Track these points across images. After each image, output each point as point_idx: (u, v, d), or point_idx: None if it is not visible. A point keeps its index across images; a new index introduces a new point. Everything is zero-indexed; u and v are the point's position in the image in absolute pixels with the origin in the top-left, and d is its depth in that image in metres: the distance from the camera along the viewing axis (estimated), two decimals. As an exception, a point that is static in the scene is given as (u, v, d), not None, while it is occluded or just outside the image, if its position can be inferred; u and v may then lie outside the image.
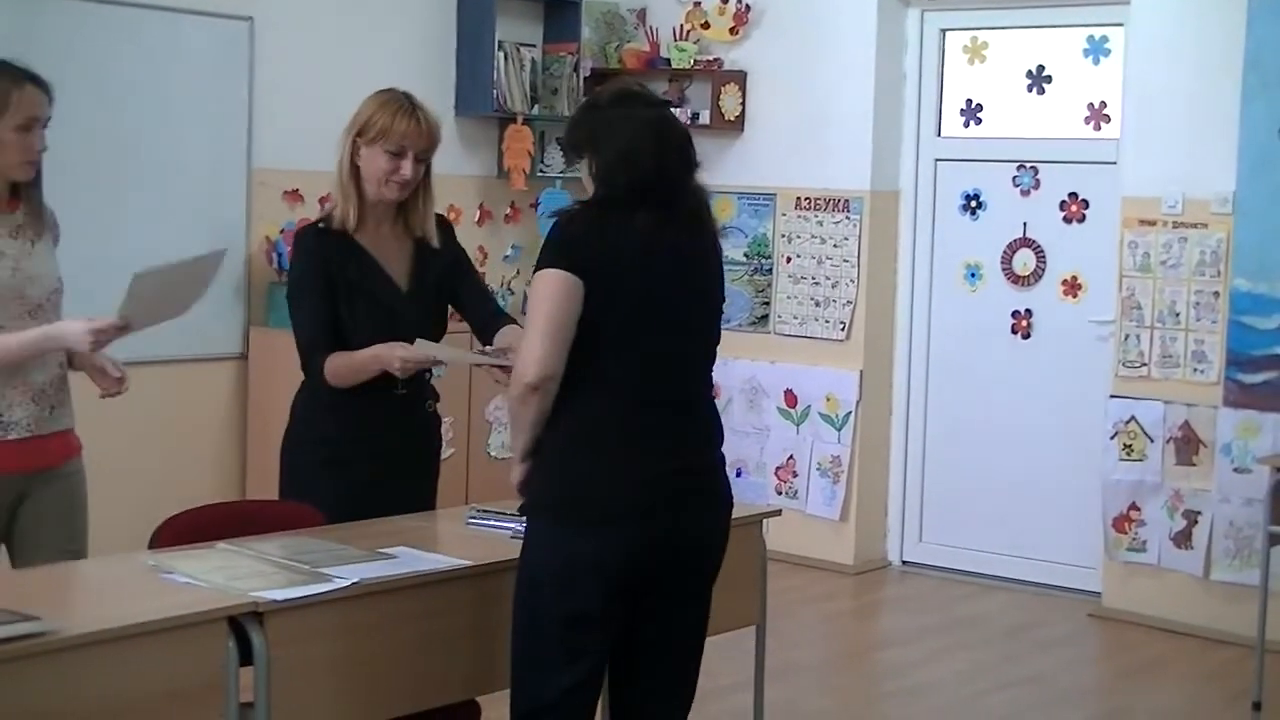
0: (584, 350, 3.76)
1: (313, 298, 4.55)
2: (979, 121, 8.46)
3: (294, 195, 7.65)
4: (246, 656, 3.52)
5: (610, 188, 3.84)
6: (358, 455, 4.59)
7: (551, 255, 3.76)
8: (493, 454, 8.05)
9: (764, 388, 8.68)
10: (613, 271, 3.77)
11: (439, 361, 4.73)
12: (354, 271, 4.56)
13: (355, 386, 4.53)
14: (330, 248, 4.57)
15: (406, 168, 4.55)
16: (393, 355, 4.46)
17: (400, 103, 4.63)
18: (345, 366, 4.52)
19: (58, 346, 4.24)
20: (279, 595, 3.58)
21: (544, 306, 3.73)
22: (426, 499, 4.80)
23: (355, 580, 3.75)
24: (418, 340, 4.45)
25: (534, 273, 3.80)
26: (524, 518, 3.93)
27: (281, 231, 7.50)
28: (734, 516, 5.02)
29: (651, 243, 3.82)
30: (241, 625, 3.52)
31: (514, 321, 4.76)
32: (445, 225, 4.82)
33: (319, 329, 4.55)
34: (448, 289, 4.77)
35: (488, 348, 4.67)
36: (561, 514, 3.81)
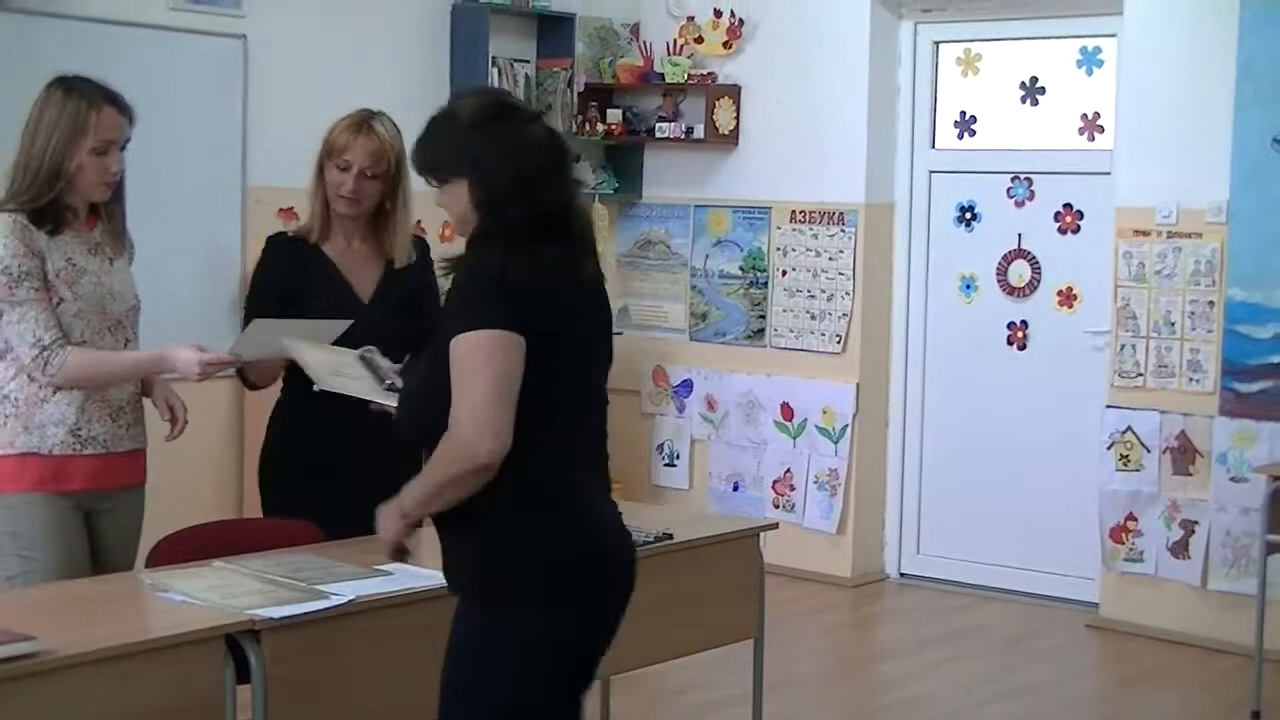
0: (526, 411, 3.30)
1: (267, 306, 4.60)
2: (973, 133, 8.47)
3: (289, 213, 7.63)
4: (244, 675, 3.53)
5: (504, 219, 3.37)
6: (332, 468, 4.61)
7: (486, 311, 3.29)
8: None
9: (760, 401, 8.68)
10: (549, 320, 3.37)
11: (238, 359, 4.53)
12: (313, 279, 4.66)
13: (324, 399, 4.37)
14: (287, 254, 4.71)
15: (349, 182, 4.64)
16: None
17: (357, 120, 4.72)
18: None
19: (167, 370, 4.30)
20: (276, 613, 3.58)
21: (488, 371, 3.26)
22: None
23: (352, 597, 3.75)
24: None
25: (454, 330, 3.30)
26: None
27: (277, 249, 7.50)
28: (732, 530, 5.04)
29: (567, 280, 3.49)
30: (238, 643, 3.52)
31: None
32: (422, 247, 4.88)
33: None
34: (413, 308, 4.74)
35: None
36: (528, 593, 3.35)
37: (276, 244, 4.79)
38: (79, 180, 4.18)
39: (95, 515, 4.28)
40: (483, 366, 3.25)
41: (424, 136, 3.60)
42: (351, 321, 4.49)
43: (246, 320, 4.62)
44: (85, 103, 4.17)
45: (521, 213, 3.37)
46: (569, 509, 3.41)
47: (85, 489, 4.24)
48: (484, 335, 3.26)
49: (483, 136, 3.45)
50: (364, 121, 4.71)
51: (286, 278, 4.66)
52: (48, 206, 4.17)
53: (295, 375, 4.57)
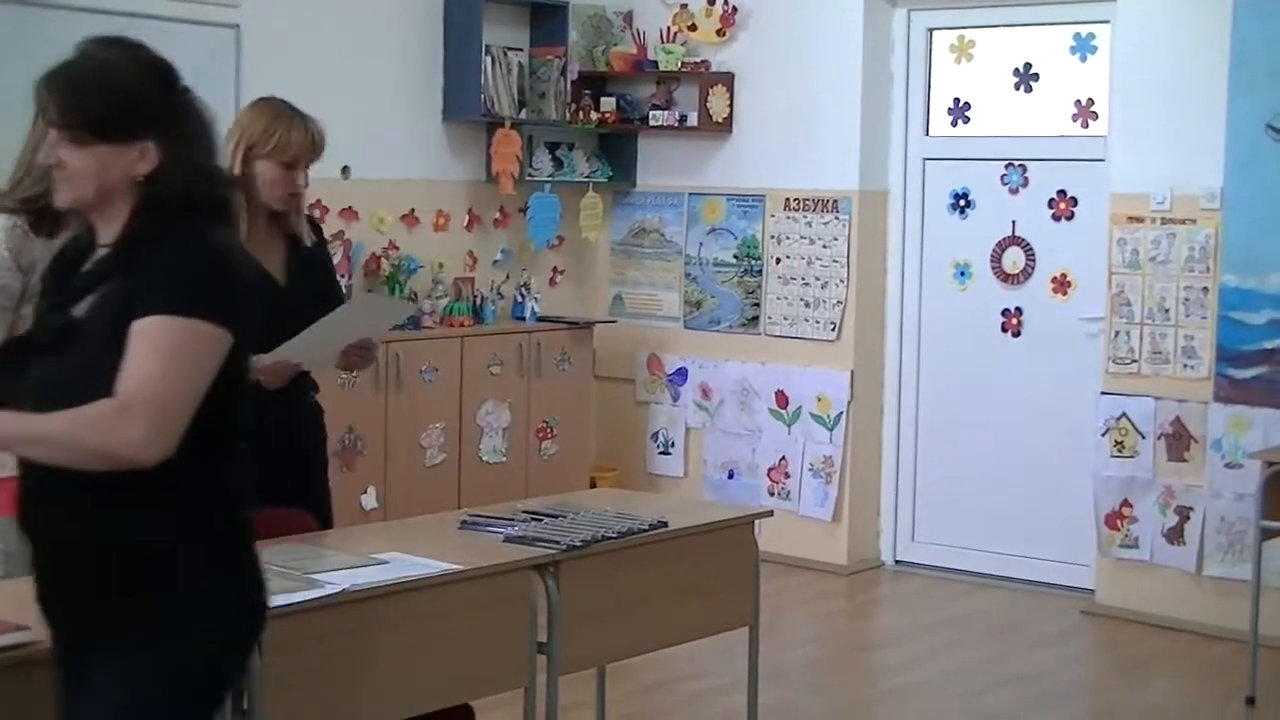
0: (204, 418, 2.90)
1: None
2: (967, 120, 8.46)
3: (282, 202, 7.64)
4: (238, 664, 3.52)
5: (191, 197, 2.99)
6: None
7: (205, 300, 2.88)
8: (484, 458, 8.06)
9: (755, 389, 8.69)
10: (249, 316, 3.01)
11: (299, 366, 4.62)
12: None
13: None
14: None
15: (301, 178, 4.62)
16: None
17: (289, 116, 4.66)
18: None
19: None
20: (270, 602, 3.57)
21: (188, 366, 2.86)
22: (315, 490, 4.78)
23: (346, 586, 3.75)
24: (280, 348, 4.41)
25: (159, 310, 2.85)
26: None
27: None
28: (727, 518, 5.05)
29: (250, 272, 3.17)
30: (233, 633, 3.51)
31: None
32: (315, 225, 4.88)
33: None
34: (320, 288, 4.76)
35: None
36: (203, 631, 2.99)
37: None
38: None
39: None
40: (184, 358, 2.85)
41: (92, 83, 3.13)
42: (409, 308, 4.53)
43: None
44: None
45: (205, 189, 3.04)
46: (237, 540, 3.12)
47: None
48: (194, 325, 2.86)
49: (167, 95, 3.17)
50: (292, 115, 4.65)
51: None
52: (48, 207, 3.96)
53: None
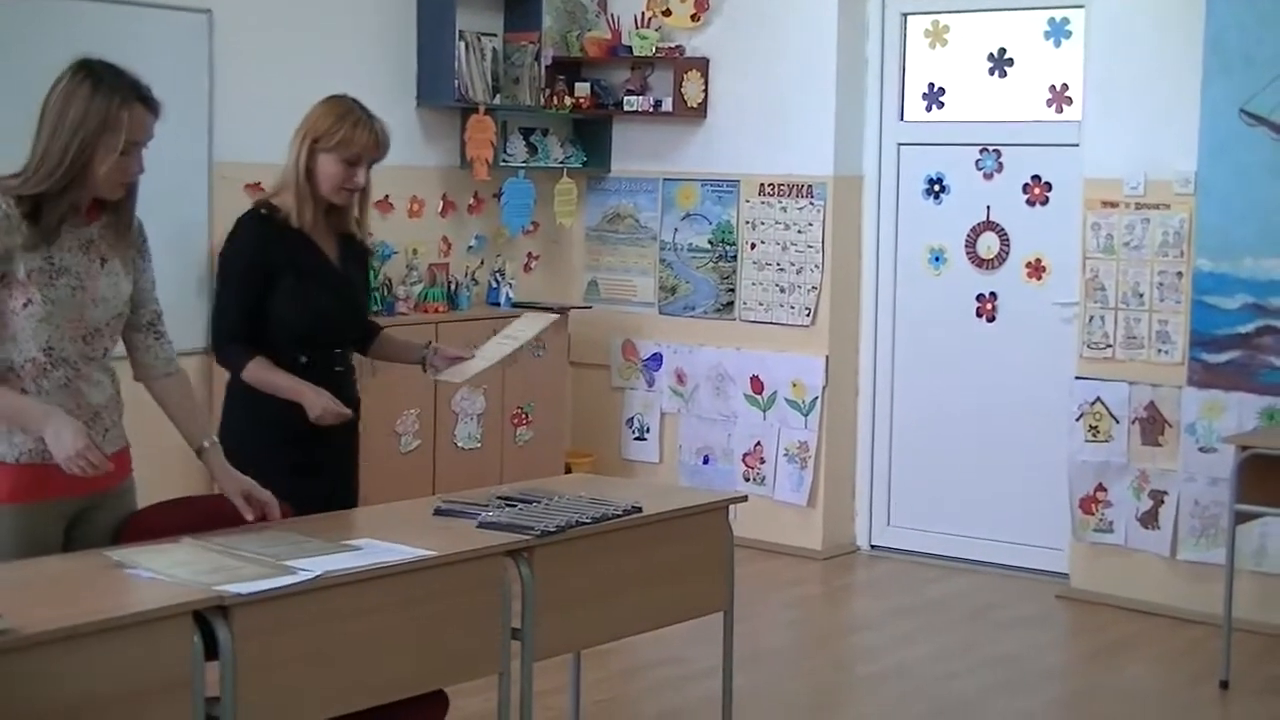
0: None
1: (243, 286, 4.73)
2: (941, 105, 8.47)
3: (256, 188, 7.59)
4: (212, 651, 3.51)
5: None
6: (300, 431, 4.68)
7: None
8: (459, 444, 8.04)
9: (730, 374, 8.69)
10: None
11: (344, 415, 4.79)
12: (301, 253, 4.73)
13: (298, 366, 4.73)
14: (273, 235, 4.73)
15: (361, 176, 4.74)
16: (318, 401, 4.65)
17: (357, 113, 4.77)
18: (265, 381, 4.71)
19: (38, 434, 3.89)
20: (244, 589, 3.57)
21: None
22: (351, 479, 5.00)
23: (320, 572, 3.74)
24: (476, 354, 5.01)
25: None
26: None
27: (244, 225, 7.47)
28: (702, 503, 5.04)
29: None
30: (207, 619, 3.51)
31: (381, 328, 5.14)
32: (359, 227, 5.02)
33: (241, 320, 4.73)
34: (365, 281, 5.08)
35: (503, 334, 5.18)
36: None
37: (262, 223, 4.76)
38: (95, 177, 3.91)
39: (77, 521, 4.07)
40: None
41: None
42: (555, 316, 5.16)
43: (229, 322, 4.75)
44: (116, 99, 3.88)
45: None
46: None
47: (65, 497, 4.00)
48: None
49: None
50: (359, 112, 4.78)
51: (282, 258, 4.72)
52: (55, 200, 3.88)
53: (259, 344, 4.76)
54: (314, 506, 4.49)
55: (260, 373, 4.70)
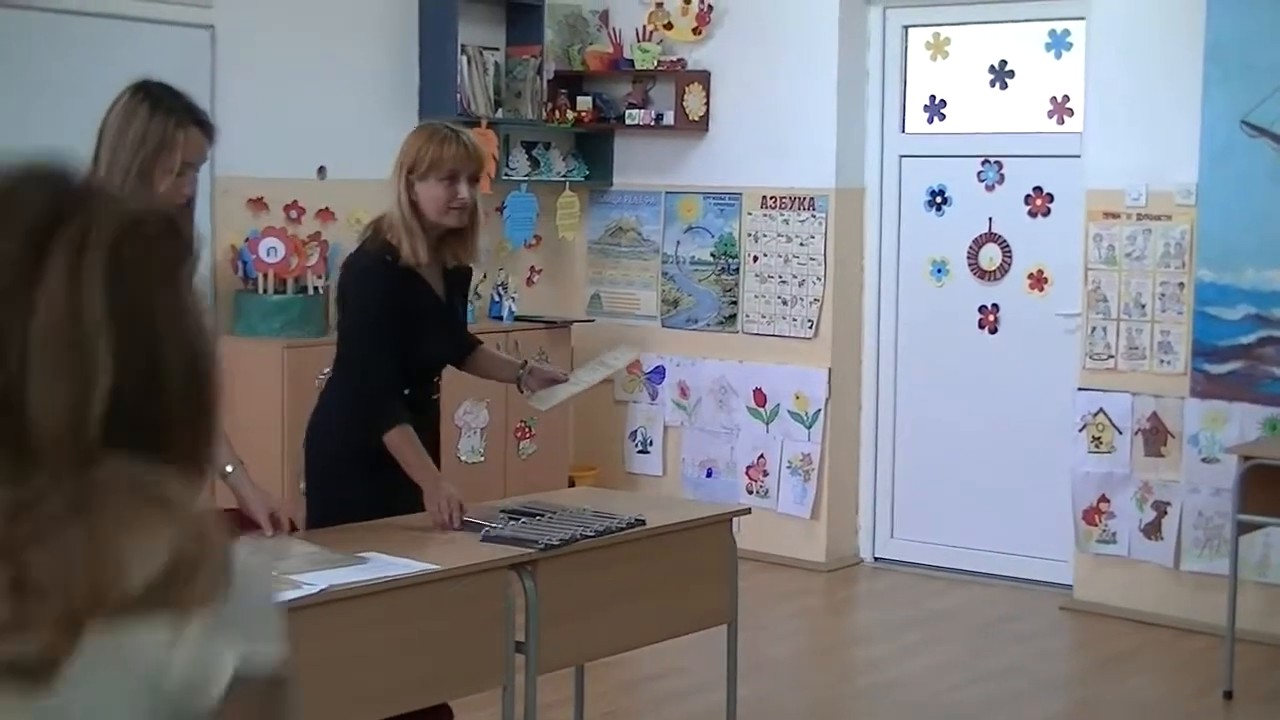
0: None
1: (391, 335, 4.61)
2: (943, 117, 8.48)
3: (258, 203, 7.63)
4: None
5: None
6: (388, 460, 4.62)
7: None
8: (462, 458, 8.05)
9: (733, 387, 8.69)
10: None
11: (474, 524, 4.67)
12: (421, 299, 4.68)
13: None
14: (400, 279, 4.64)
15: (464, 191, 4.65)
16: (438, 497, 4.55)
17: (442, 132, 4.73)
18: (402, 451, 4.56)
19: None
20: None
21: None
22: None
23: (325, 586, 3.75)
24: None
25: None
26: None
27: (246, 240, 7.48)
28: (705, 516, 5.05)
29: None
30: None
31: (479, 342, 5.09)
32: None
33: (392, 373, 4.62)
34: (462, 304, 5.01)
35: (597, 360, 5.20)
36: None
37: (391, 270, 4.66)
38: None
39: None
40: None
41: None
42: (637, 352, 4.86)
43: (383, 376, 4.64)
44: (173, 121, 3.97)
45: None
46: None
47: None
48: None
49: None
50: (449, 130, 4.74)
51: (409, 303, 4.67)
52: None
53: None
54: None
55: (401, 442, 4.55)
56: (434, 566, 4.03)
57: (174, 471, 1.49)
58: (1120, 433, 7.58)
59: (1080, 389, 7.70)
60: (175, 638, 1.44)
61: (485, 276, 8.63)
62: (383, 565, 3.99)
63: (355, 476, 4.64)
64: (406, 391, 4.70)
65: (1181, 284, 7.41)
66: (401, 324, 4.63)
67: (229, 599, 1.47)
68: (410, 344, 4.64)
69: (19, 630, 1.39)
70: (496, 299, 8.60)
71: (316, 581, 3.76)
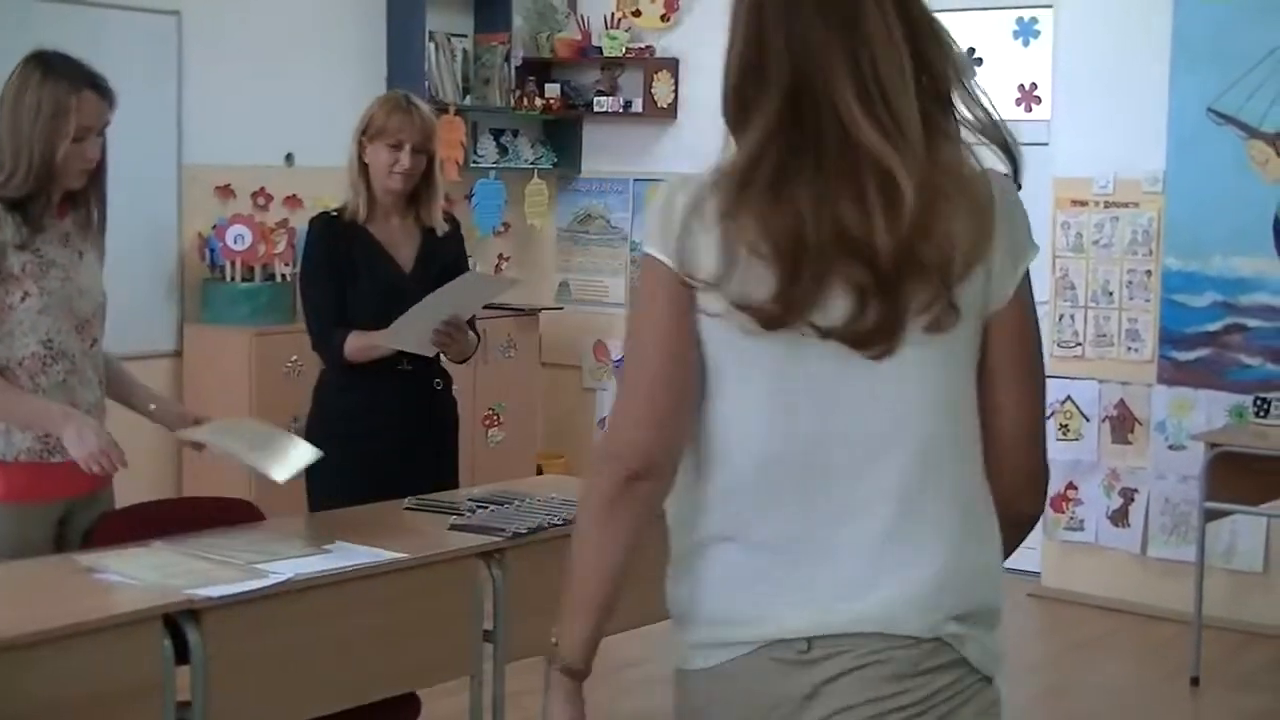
0: None
1: (323, 283, 4.89)
2: (910, 105, 8.47)
3: (225, 190, 7.61)
4: (183, 655, 3.50)
5: None
6: (372, 429, 4.85)
7: None
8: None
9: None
10: None
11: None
12: (359, 254, 4.87)
13: (363, 366, 4.84)
14: (337, 234, 4.89)
15: (404, 159, 4.84)
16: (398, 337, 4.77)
17: (397, 100, 4.95)
18: (366, 348, 4.81)
19: (55, 434, 3.94)
20: (215, 592, 3.56)
21: None
22: (446, 473, 5.09)
23: (291, 575, 3.73)
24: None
25: None
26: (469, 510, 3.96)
27: (214, 227, 7.45)
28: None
29: None
30: (177, 623, 3.49)
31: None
32: (453, 220, 5.12)
33: (330, 313, 4.85)
34: (445, 276, 5.00)
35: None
36: None
37: (327, 225, 4.94)
38: (58, 168, 3.96)
39: (68, 521, 4.10)
40: None
41: None
42: (515, 280, 4.82)
43: (321, 320, 4.88)
44: (65, 86, 3.95)
45: None
46: None
47: (61, 497, 4.05)
48: None
49: None
50: (402, 100, 4.94)
51: (343, 256, 4.87)
52: (33, 196, 3.94)
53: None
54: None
55: (358, 343, 4.80)
56: (401, 555, 4.01)
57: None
58: (1088, 420, 7.60)
59: (1048, 376, 7.70)
60: (987, 277, 2.35)
61: (453, 264, 8.61)
62: (349, 554, 3.97)
63: (349, 446, 4.75)
64: (404, 364, 4.87)
65: (1149, 271, 7.43)
66: (339, 273, 4.84)
67: (1002, 228, 2.45)
68: (353, 298, 4.83)
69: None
70: (465, 286, 8.57)
71: (282, 571, 3.75)
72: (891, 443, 2.26)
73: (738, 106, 2.39)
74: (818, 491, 2.26)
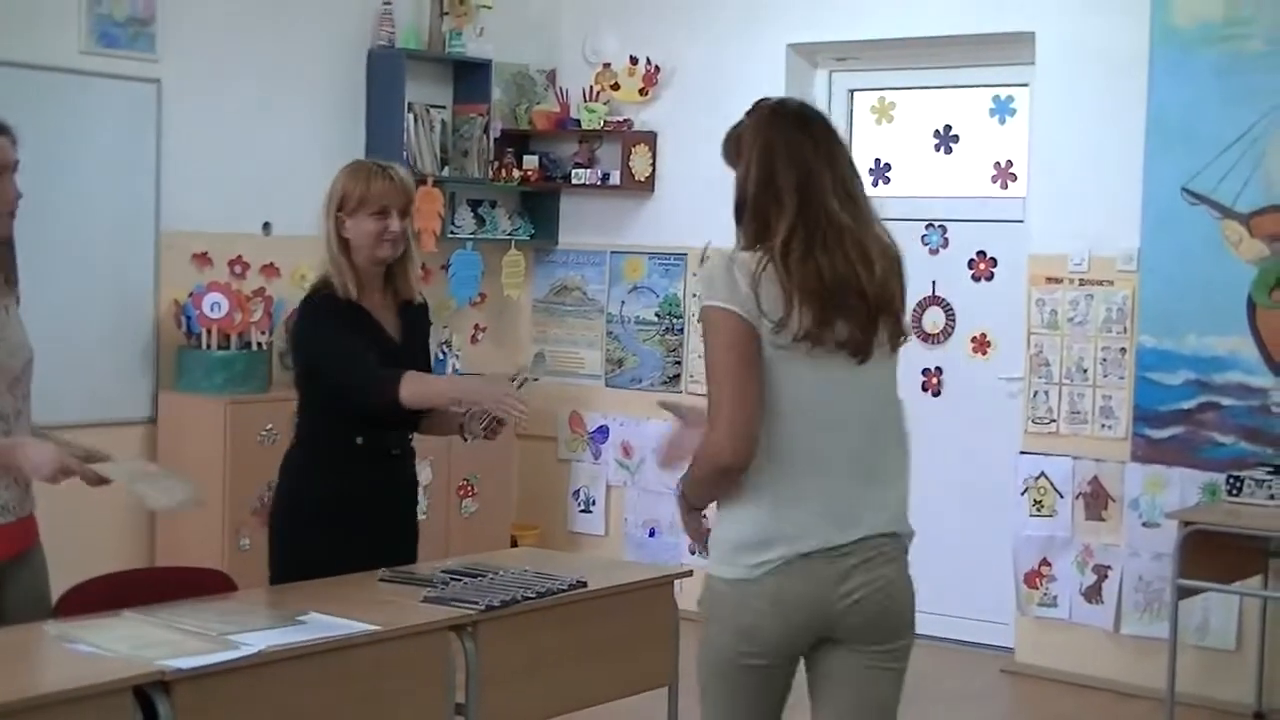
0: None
1: (349, 340, 4.64)
2: (887, 181, 8.53)
3: (203, 258, 7.61)
4: (153, 727, 3.48)
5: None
6: (353, 515, 4.70)
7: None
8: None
9: (677, 447, 8.67)
10: None
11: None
12: (366, 333, 4.70)
13: (350, 449, 4.69)
14: (340, 307, 4.69)
15: (394, 223, 4.70)
16: (486, 391, 4.75)
17: (369, 168, 4.80)
18: (424, 393, 4.65)
19: (12, 464, 3.93)
20: (185, 664, 3.54)
21: None
22: (412, 555, 4.92)
23: (262, 647, 3.71)
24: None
25: None
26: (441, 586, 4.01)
27: (190, 295, 7.44)
28: (647, 578, 5.03)
29: None
30: (148, 695, 3.47)
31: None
32: (422, 300, 4.97)
33: (371, 359, 4.62)
34: (420, 347, 4.97)
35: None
36: None
37: (332, 300, 4.71)
38: None
39: (7, 584, 4.05)
40: None
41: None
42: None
43: (365, 373, 4.61)
44: None
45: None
46: None
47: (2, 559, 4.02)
48: None
49: None
50: (375, 167, 4.80)
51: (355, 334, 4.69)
52: None
53: (312, 425, 4.78)
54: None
55: (414, 388, 4.59)
56: (373, 627, 4.00)
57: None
58: (1061, 496, 7.61)
59: (1022, 452, 7.73)
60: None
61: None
62: (321, 626, 3.96)
63: (319, 530, 4.68)
64: (360, 440, 4.69)
65: (1123, 349, 7.46)
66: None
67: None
68: None
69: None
70: (441, 356, 8.58)
71: (253, 642, 3.73)
72: (874, 418, 3.71)
73: (755, 211, 3.62)
74: (839, 450, 3.62)
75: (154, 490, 4.17)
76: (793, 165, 3.62)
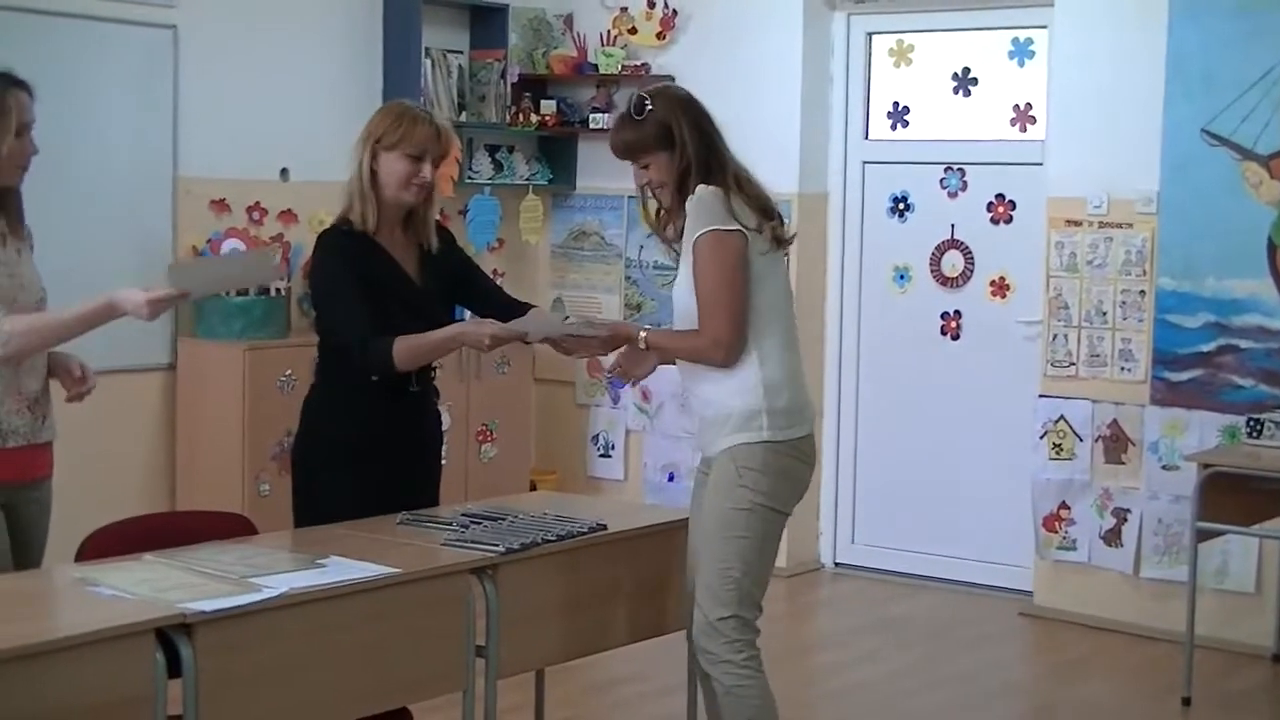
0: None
1: (351, 293, 4.65)
2: (906, 124, 8.50)
3: (220, 204, 7.61)
4: (175, 669, 3.50)
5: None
6: (375, 453, 4.71)
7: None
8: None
9: (695, 392, 8.68)
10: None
11: (525, 337, 4.80)
12: (379, 269, 4.71)
13: (370, 387, 4.68)
14: (353, 247, 4.70)
15: (426, 171, 4.74)
16: (481, 332, 4.66)
17: (415, 111, 4.84)
18: (418, 348, 4.64)
19: (115, 315, 4.20)
20: (207, 606, 3.56)
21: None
22: (434, 495, 4.96)
23: (284, 590, 3.73)
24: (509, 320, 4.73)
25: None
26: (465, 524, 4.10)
27: (209, 241, 7.45)
28: (665, 521, 5.05)
29: None
30: (169, 637, 3.49)
31: (531, 305, 5.06)
32: (445, 233, 4.99)
33: (364, 322, 4.62)
34: (458, 292, 5.01)
35: (571, 319, 4.92)
36: None
37: (343, 237, 4.74)
38: (3, 166, 4.14)
39: (15, 508, 4.21)
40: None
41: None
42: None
43: (355, 331, 4.62)
44: (1, 85, 4.14)
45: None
46: None
47: (9, 481, 4.18)
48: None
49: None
50: (422, 112, 4.83)
51: (364, 270, 4.68)
52: None
53: (331, 365, 4.78)
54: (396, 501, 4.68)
55: (408, 348, 4.61)
56: (394, 570, 4.02)
57: None
58: (1081, 440, 7.61)
59: (1041, 396, 7.73)
60: None
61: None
62: (342, 569, 3.98)
63: (342, 469, 4.69)
64: (375, 376, 4.68)
65: (1142, 292, 7.44)
66: (361, 285, 4.65)
67: None
68: (374, 312, 4.64)
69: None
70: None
71: (275, 585, 3.75)
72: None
73: (699, 163, 4.60)
74: (796, 328, 4.71)
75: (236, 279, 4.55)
76: (711, 127, 4.73)
